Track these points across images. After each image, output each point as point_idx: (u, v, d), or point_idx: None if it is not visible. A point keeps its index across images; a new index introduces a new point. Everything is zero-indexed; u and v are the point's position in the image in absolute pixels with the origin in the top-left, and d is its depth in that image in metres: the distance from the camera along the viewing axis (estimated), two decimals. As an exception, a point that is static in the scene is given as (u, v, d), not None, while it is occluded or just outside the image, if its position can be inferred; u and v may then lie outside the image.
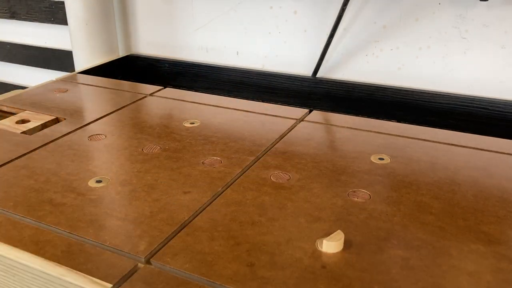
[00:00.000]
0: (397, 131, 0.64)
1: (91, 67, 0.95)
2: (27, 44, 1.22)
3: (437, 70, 0.77)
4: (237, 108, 0.73)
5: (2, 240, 0.42)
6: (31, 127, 0.65)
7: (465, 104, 0.75)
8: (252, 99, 0.77)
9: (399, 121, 0.68)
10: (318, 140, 0.61)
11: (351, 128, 0.65)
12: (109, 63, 0.99)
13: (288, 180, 0.52)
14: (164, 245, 0.41)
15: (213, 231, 0.43)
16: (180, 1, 0.96)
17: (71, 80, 0.86)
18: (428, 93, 0.77)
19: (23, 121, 0.67)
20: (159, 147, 0.59)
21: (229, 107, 0.73)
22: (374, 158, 0.56)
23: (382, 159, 0.56)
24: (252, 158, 0.56)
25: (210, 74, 0.96)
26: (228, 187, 0.50)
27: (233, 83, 0.94)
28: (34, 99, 0.76)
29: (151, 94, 0.79)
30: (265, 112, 0.71)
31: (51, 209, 0.46)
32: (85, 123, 0.67)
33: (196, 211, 0.46)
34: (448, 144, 0.60)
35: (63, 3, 1.00)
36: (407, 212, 0.46)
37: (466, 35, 0.73)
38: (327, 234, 0.41)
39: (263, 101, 0.77)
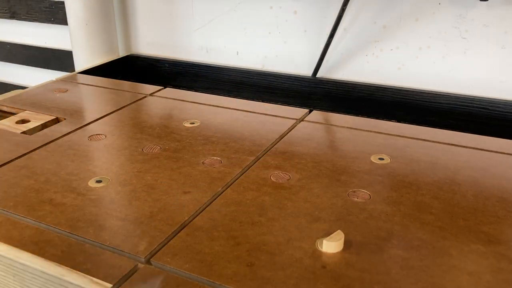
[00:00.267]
0: (397, 131, 0.64)
1: (91, 67, 0.95)
2: (27, 44, 1.21)
3: (437, 70, 0.77)
4: (237, 108, 0.73)
5: (2, 240, 0.42)
6: (31, 127, 0.65)
7: (465, 104, 0.75)
8: (252, 99, 0.77)
9: (399, 121, 0.68)
10: (318, 140, 0.61)
11: (351, 128, 0.65)
12: (109, 63, 0.99)
13: (288, 180, 0.52)
14: (164, 245, 0.41)
15: (213, 231, 0.43)
16: (180, 1, 0.96)
17: (71, 80, 0.86)
18: (428, 93, 0.77)
19: (23, 121, 0.67)
20: (159, 147, 0.59)
21: (229, 107, 0.73)
22: (374, 158, 0.56)
23: (382, 159, 0.56)
24: (252, 158, 0.56)
25: (210, 74, 0.96)
26: (228, 187, 0.50)
27: (233, 83, 0.94)
28: (34, 99, 0.76)
29: (151, 94, 0.79)
30: (265, 112, 0.71)
31: (51, 209, 0.46)
32: (85, 123, 0.67)
33: (196, 211, 0.46)
34: (448, 144, 0.60)
35: (63, 3, 1.00)
36: (407, 212, 0.46)
37: (466, 35, 0.73)
38: (327, 234, 0.41)
39: (263, 101, 0.77)
